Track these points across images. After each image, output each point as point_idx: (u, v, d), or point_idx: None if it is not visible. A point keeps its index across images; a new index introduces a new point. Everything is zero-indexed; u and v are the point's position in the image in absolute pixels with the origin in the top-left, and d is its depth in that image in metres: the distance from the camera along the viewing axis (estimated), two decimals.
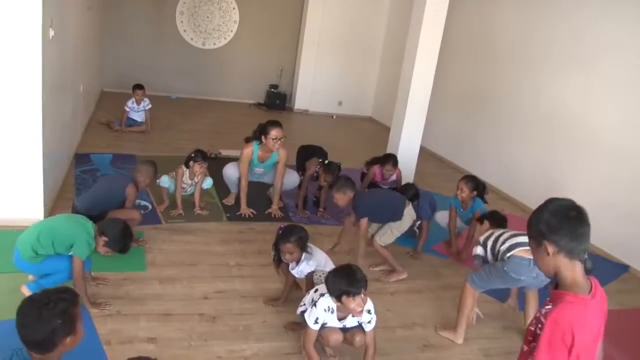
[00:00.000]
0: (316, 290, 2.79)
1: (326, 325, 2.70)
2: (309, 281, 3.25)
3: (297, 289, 3.44)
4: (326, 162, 4.83)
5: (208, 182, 4.71)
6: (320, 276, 3.21)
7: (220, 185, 4.97)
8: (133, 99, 6.82)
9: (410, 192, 4.41)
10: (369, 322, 2.72)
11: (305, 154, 5.07)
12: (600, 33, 5.22)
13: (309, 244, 3.27)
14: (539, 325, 1.64)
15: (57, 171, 4.57)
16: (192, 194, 4.64)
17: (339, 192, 3.89)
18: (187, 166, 4.50)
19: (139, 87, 6.84)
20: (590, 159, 5.26)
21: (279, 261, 3.27)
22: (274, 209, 4.80)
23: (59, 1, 4.23)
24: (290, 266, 3.24)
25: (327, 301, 2.66)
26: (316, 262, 3.21)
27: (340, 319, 2.71)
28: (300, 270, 3.21)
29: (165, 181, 4.57)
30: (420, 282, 3.95)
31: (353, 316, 2.68)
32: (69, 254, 2.97)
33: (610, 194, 4.95)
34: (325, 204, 5.02)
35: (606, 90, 5.14)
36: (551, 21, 5.89)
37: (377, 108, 10.15)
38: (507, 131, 6.54)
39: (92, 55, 7.08)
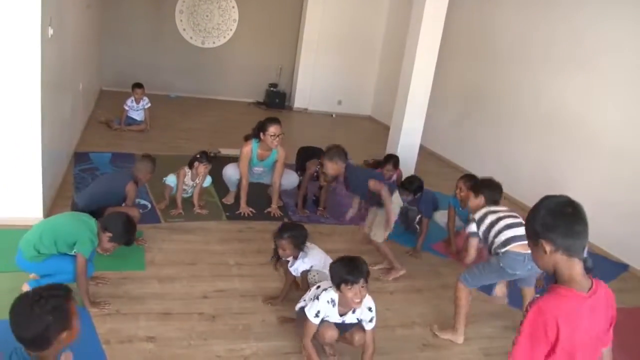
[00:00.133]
0: (318, 287, 2.80)
1: (325, 319, 2.70)
2: (304, 279, 3.27)
3: (297, 288, 3.44)
4: None
5: (207, 181, 4.71)
6: (314, 275, 3.23)
7: (220, 184, 4.96)
8: (132, 98, 6.82)
9: (415, 184, 4.42)
10: (370, 320, 2.72)
11: (305, 155, 5.07)
12: (600, 33, 5.22)
13: (309, 243, 3.28)
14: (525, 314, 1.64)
15: (56, 170, 4.56)
16: (192, 196, 4.64)
17: (331, 161, 3.89)
18: (191, 167, 4.51)
19: (138, 85, 6.83)
20: (590, 159, 5.26)
21: (277, 257, 3.28)
22: (274, 208, 4.79)
23: None
24: (289, 264, 3.25)
25: (330, 294, 2.67)
26: (313, 261, 3.22)
27: (341, 315, 2.70)
28: (296, 267, 3.23)
29: (171, 180, 4.57)
30: (419, 281, 3.95)
31: (353, 311, 2.68)
32: (72, 253, 2.97)
33: (610, 194, 4.95)
34: (325, 204, 5.01)
35: (606, 90, 5.14)
36: (551, 21, 5.88)
37: (376, 107, 10.15)
38: (507, 130, 6.54)
39: (91, 54, 7.07)
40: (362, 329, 2.74)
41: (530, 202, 5.90)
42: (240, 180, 4.73)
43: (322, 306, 2.67)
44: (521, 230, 3.06)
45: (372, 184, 3.82)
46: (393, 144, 6.10)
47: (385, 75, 9.66)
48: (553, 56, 5.83)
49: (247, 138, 4.80)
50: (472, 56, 7.34)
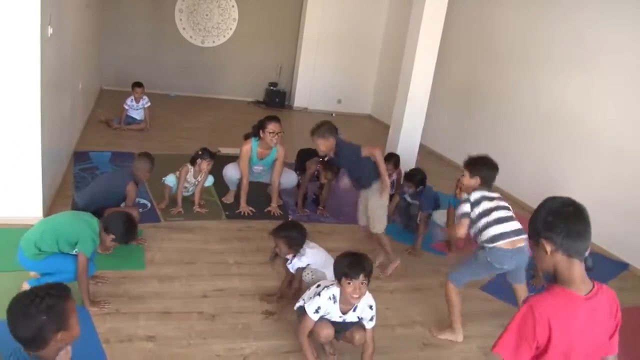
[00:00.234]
0: (319, 285, 2.80)
1: (326, 316, 2.70)
2: (298, 277, 3.28)
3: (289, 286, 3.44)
4: (325, 158, 4.82)
5: (209, 180, 4.71)
6: (308, 273, 3.26)
7: (220, 183, 4.96)
8: (132, 97, 6.81)
9: (418, 176, 4.44)
10: (371, 319, 2.72)
11: (305, 156, 5.07)
12: (600, 33, 5.22)
13: (311, 242, 3.32)
14: None
15: (56, 169, 4.56)
16: (193, 194, 4.64)
17: (321, 138, 3.88)
18: (193, 164, 4.51)
19: (138, 85, 6.83)
20: (590, 158, 5.26)
21: (276, 254, 3.32)
22: (273, 207, 4.79)
23: None
24: (287, 261, 3.28)
25: (332, 290, 2.68)
26: (310, 259, 3.23)
27: (343, 313, 2.70)
28: (292, 265, 3.25)
29: (170, 180, 4.57)
30: (419, 280, 3.95)
31: (354, 309, 2.68)
32: (74, 252, 2.97)
33: (610, 193, 4.95)
34: (324, 202, 5.01)
35: (606, 90, 5.14)
36: (551, 21, 5.88)
37: (376, 106, 10.14)
38: (507, 130, 6.53)
39: (90, 53, 7.07)
40: (363, 328, 2.74)
41: (531, 201, 5.91)
42: (240, 180, 4.73)
43: (323, 302, 2.67)
44: (511, 226, 3.05)
45: (366, 150, 3.86)
46: (393, 143, 6.10)
47: (385, 74, 9.65)
48: (553, 56, 5.83)
49: (247, 137, 4.81)
50: (473, 55, 7.33)
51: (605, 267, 4.56)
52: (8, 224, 3.75)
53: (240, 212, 4.67)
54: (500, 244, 3.00)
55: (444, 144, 7.81)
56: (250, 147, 4.63)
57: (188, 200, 4.62)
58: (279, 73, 9.81)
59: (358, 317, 2.73)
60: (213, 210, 4.68)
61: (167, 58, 9.14)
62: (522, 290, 3.31)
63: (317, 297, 2.68)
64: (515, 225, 3.08)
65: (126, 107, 6.78)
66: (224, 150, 6.11)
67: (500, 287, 3.96)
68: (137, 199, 4.41)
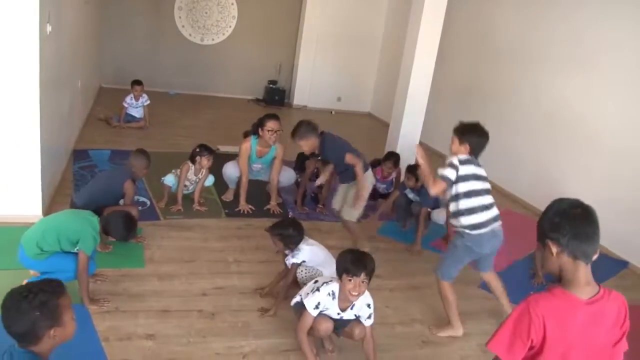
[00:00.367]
0: (316, 282, 2.80)
1: (324, 312, 2.70)
2: (293, 272, 3.28)
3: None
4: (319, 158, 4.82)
5: (210, 180, 4.71)
6: (302, 270, 3.28)
7: (219, 181, 4.95)
8: (131, 95, 6.81)
9: (419, 171, 4.42)
10: (369, 317, 2.73)
11: (304, 156, 5.06)
12: (600, 33, 5.22)
13: (311, 240, 3.33)
14: None
15: (55, 167, 4.55)
16: (193, 192, 4.64)
17: (302, 139, 3.92)
18: (193, 161, 4.50)
19: (137, 83, 6.82)
20: (590, 157, 5.26)
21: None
22: (273, 205, 4.79)
23: None
24: (286, 257, 3.31)
25: (331, 286, 2.68)
26: (306, 256, 3.24)
27: (342, 310, 2.70)
28: (288, 260, 3.28)
29: (169, 180, 4.56)
30: (419, 278, 3.95)
31: (351, 307, 2.69)
32: (75, 250, 2.98)
33: (610, 191, 4.95)
34: (324, 201, 5.01)
35: (606, 89, 5.14)
36: (551, 21, 5.88)
37: (376, 104, 10.13)
38: (507, 129, 6.52)
39: (90, 51, 7.06)
40: (361, 322, 2.74)
41: (531, 200, 5.91)
42: (239, 178, 4.72)
43: (322, 298, 2.67)
44: (492, 213, 3.03)
45: (349, 157, 3.87)
46: (392, 141, 6.08)
47: (384, 72, 9.64)
48: (553, 55, 5.82)
49: (246, 135, 4.80)
50: (473, 54, 7.32)
51: (605, 266, 4.55)
52: (7, 222, 3.75)
53: (240, 210, 4.66)
54: (480, 232, 2.98)
55: (443, 143, 7.75)
56: (250, 145, 4.63)
57: (188, 199, 4.62)
58: (278, 71, 9.80)
59: (355, 315, 2.74)
60: (212, 209, 4.67)
61: (167, 56, 9.13)
62: (492, 278, 3.33)
63: (317, 292, 2.68)
64: (491, 202, 3.05)
65: (125, 105, 6.77)
66: (224, 148, 6.10)
67: None
68: (137, 197, 4.40)
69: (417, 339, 3.21)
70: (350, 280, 2.56)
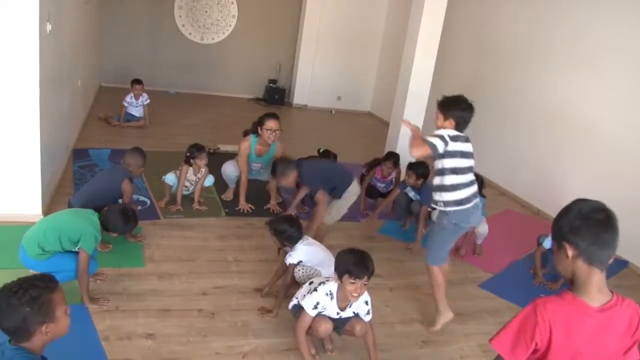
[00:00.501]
0: (311, 283, 2.80)
1: (322, 312, 2.70)
2: (290, 272, 3.28)
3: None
4: (321, 150, 4.82)
5: (210, 180, 4.70)
6: (299, 270, 3.30)
7: (219, 180, 4.95)
8: (131, 94, 6.80)
9: (420, 170, 4.43)
10: (367, 313, 2.74)
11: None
12: (601, 32, 5.22)
13: (307, 238, 3.34)
14: None
15: (55, 166, 4.55)
16: (193, 192, 4.64)
17: (283, 177, 4.02)
18: (189, 164, 4.50)
19: (137, 82, 6.81)
20: (590, 156, 5.26)
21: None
22: (273, 204, 4.79)
23: None
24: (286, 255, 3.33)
25: (329, 286, 2.68)
26: (303, 256, 3.26)
27: (341, 309, 2.70)
28: (286, 259, 3.29)
29: (170, 179, 4.56)
30: (419, 278, 3.94)
31: (349, 305, 2.69)
32: (76, 249, 2.98)
33: (610, 191, 4.93)
34: None
35: (606, 88, 5.14)
36: (551, 21, 5.87)
37: (376, 103, 10.13)
38: (507, 128, 6.53)
39: (90, 50, 7.05)
40: (361, 319, 2.75)
41: (531, 199, 5.90)
42: (239, 177, 4.72)
43: (320, 298, 2.66)
44: (473, 189, 3.04)
45: (320, 194, 3.94)
46: (392, 140, 6.07)
47: (384, 71, 9.64)
48: (554, 55, 5.82)
49: (245, 134, 4.79)
50: (473, 54, 7.32)
51: None
52: (7, 221, 3.75)
53: (240, 209, 4.66)
54: (463, 207, 3.00)
55: None
56: (249, 144, 4.62)
57: (188, 198, 4.62)
58: (278, 70, 9.80)
59: (354, 313, 2.74)
60: (212, 208, 4.67)
61: (167, 55, 9.12)
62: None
63: (315, 292, 2.68)
64: (473, 179, 3.07)
65: (125, 104, 6.77)
66: (223, 148, 6.10)
67: (500, 285, 3.97)
68: (137, 197, 4.40)
69: (417, 339, 3.20)
70: (352, 282, 2.55)
